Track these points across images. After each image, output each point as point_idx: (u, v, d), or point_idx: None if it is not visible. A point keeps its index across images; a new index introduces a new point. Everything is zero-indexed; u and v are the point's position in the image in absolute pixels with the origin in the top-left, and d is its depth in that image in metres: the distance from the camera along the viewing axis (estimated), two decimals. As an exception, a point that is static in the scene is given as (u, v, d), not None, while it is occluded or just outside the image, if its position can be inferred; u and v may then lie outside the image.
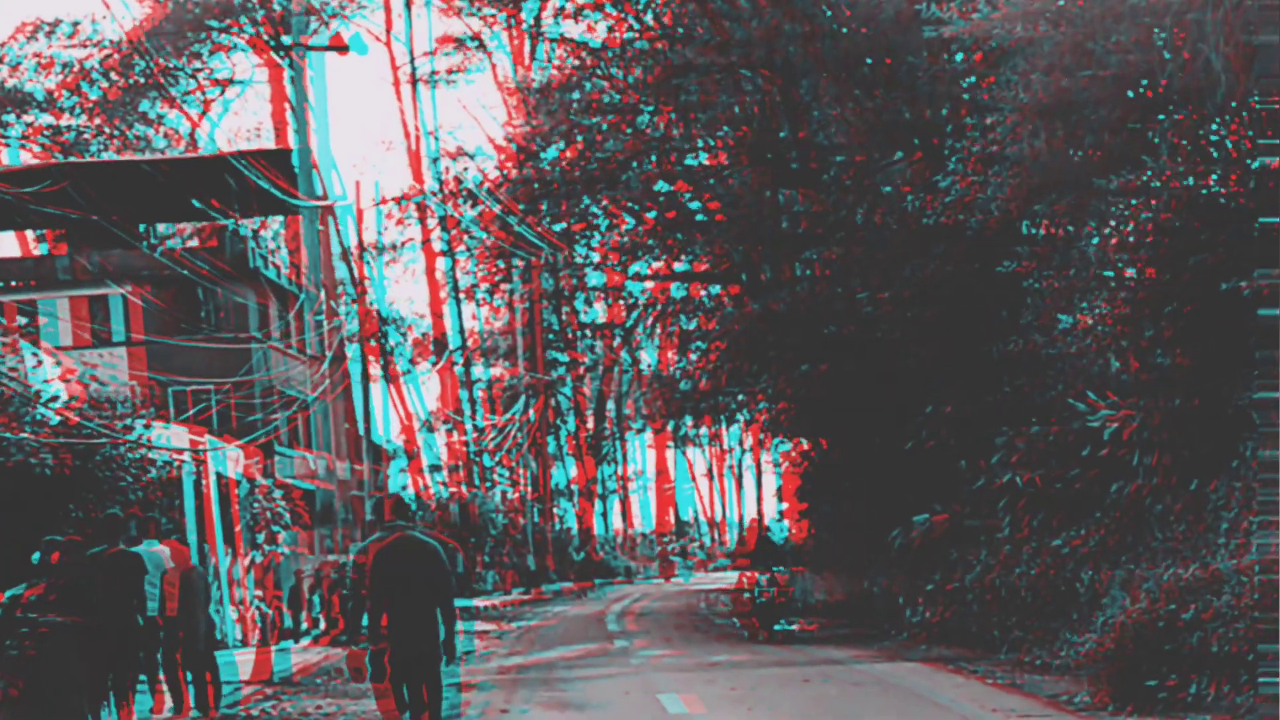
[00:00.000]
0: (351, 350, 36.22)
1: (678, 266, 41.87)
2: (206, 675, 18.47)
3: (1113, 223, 22.54)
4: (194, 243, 51.05)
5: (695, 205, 39.75)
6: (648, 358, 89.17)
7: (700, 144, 33.56)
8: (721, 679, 21.43)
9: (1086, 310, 25.86)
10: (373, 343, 76.04)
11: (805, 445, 50.80)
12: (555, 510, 77.61)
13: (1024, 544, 25.47)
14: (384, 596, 13.53)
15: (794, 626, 31.62)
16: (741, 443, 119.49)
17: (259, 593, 32.88)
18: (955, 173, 23.20)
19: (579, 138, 32.92)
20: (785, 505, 64.92)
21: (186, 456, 27.03)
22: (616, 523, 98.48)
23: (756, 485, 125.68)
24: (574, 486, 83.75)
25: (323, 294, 33.92)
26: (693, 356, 47.80)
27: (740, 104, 31.44)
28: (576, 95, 34.83)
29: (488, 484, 69.28)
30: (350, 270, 38.05)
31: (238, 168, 44.00)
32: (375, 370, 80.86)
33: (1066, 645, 21.01)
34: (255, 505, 32.97)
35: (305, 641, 32.35)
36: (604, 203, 37.76)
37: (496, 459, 71.39)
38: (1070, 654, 20.41)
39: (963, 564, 27.29)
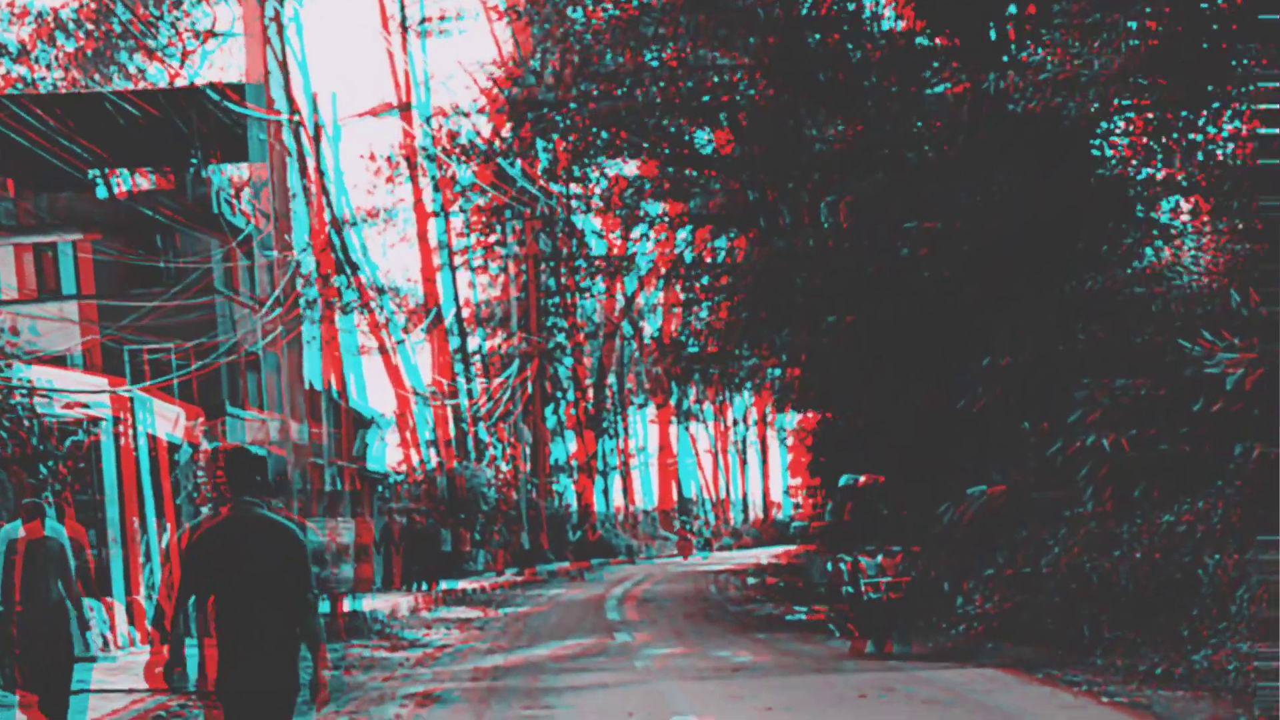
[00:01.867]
0: (308, 294, 31.60)
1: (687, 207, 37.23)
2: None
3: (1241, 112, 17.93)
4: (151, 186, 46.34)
5: (706, 136, 35.04)
6: (650, 327, 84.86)
7: (715, 54, 28.67)
8: (748, 692, 16.80)
9: (1194, 235, 21.36)
10: (364, 312, 71.72)
11: (819, 415, 46.58)
12: (553, 486, 73.15)
13: (1111, 520, 20.87)
14: (204, 594, 8.78)
15: (910, 646, 20.60)
16: (745, 418, 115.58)
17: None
18: (1052, 43, 18.42)
19: (574, 45, 28.11)
20: (797, 480, 60.25)
21: (99, 411, 22.42)
22: (617, 500, 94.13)
23: (761, 462, 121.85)
24: (573, 462, 79.38)
25: (272, 224, 29.19)
26: (701, 314, 43.26)
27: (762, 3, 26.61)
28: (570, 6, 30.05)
29: (482, 458, 64.69)
30: (325, 197, 33.34)
31: (196, 103, 39.52)
32: (369, 342, 76.59)
33: (1192, 648, 16.44)
34: (199, 474, 28.37)
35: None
36: (602, 134, 33.06)
37: (491, 430, 66.79)
38: (1202, 661, 15.86)
39: (1033, 545, 22.64)
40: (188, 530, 8.96)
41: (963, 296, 26.41)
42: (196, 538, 8.84)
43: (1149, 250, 25.92)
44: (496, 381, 59.41)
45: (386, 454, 72.09)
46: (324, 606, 27.99)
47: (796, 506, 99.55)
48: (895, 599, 20.17)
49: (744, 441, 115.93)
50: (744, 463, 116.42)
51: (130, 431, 25.21)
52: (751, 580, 46.22)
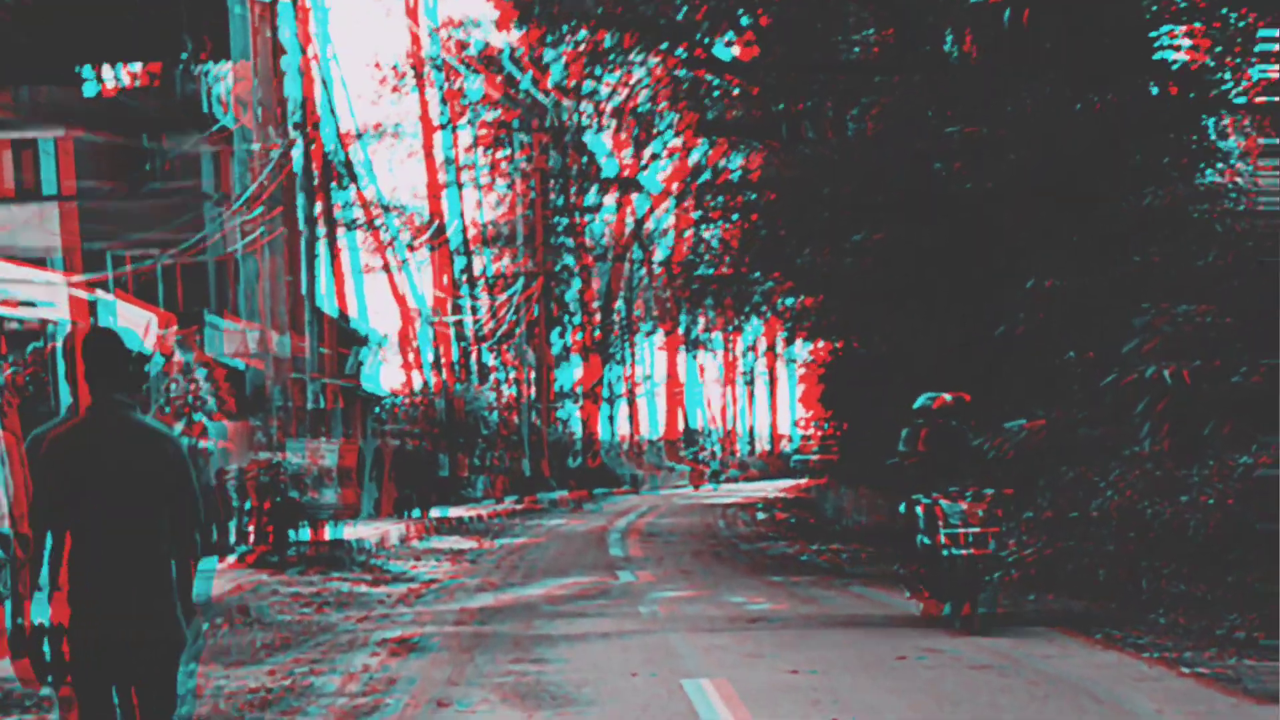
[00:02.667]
0: (309, 209, 29.33)
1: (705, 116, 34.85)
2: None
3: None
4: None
5: (725, 41, 32.64)
6: (660, 252, 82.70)
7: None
8: (767, 648, 14.68)
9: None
10: (367, 228, 69.42)
11: (832, 345, 44.48)
12: (557, 413, 71.10)
13: (1169, 460, 18.72)
14: (61, 525, 6.64)
15: (996, 611, 15.93)
16: (755, 348, 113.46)
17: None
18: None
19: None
20: (809, 413, 58.19)
21: (48, 312, 20.23)
22: (623, 428, 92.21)
23: (770, 394, 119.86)
24: (579, 388, 77.35)
25: (257, 114, 26.80)
26: (714, 234, 40.98)
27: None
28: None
29: (485, 381, 62.54)
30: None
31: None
32: (373, 261, 74.34)
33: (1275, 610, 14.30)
34: (172, 387, 26.23)
35: (231, 560, 25.71)
36: (614, 33, 30.68)
37: (495, 352, 64.63)
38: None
39: (1081, 487, 20.48)
40: (36, 439, 6.72)
41: (1005, 213, 24.16)
42: (45, 448, 6.65)
43: (1211, 171, 23.64)
44: (500, 299, 57.10)
45: (383, 374, 70.04)
46: (303, 534, 25.92)
47: (806, 439, 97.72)
48: (982, 554, 15.67)
49: (752, 372, 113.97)
50: (752, 394, 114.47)
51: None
52: (761, 515, 44.18)
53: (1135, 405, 19.79)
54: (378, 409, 45.88)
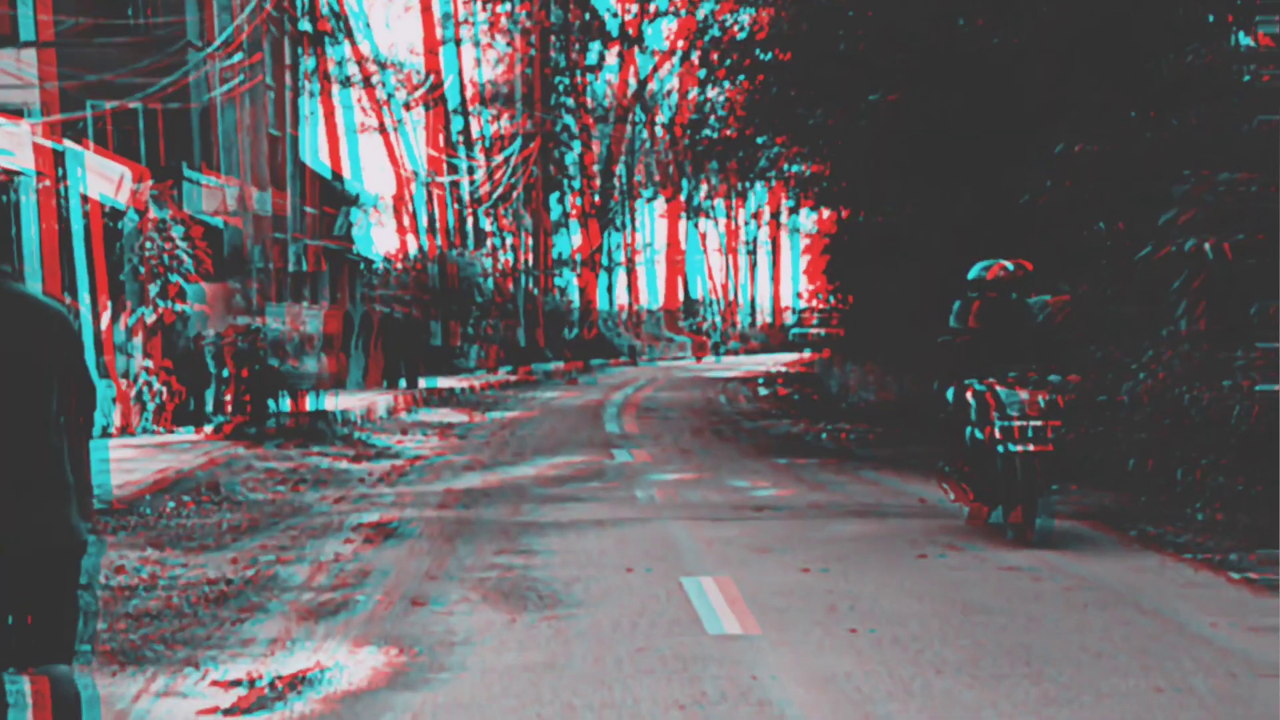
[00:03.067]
0: (305, 65, 27.64)
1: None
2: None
3: None
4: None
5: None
6: (662, 116, 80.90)
7: None
8: (775, 542, 13.46)
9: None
10: (362, 86, 67.46)
11: (837, 214, 43.08)
12: (555, 281, 69.72)
13: (1206, 342, 17.44)
14: None
15: (1054, 522, 13.27)
16: (758, 217, 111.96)
17: (147, 363, 24.90)
18: None
19: None
20: (814, 286, 56.89)
21: (9, 162, 18.79)
22: (621, 297, 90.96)
23: (772, 264, 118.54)
24: (577, 255, 75.93)
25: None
26: (720, 94, 39.35)
27: None
28: None
29: (481, 246, 61.06)
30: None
31: None
32: (369, 120, 72.46)
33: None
34: (147, 245, 24.86)
35: (208, 430, 24.53)
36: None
37: (491, 215, 63.09)
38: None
39: (1110, 368, 19.21)
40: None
41: (1034, 71, 22.65)
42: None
43: (1259, 28, 22.02)
44: (498, 159, 55.42)
45: (378, 238, 68.41)
46: (283, 405, 24.68)
47: (808, 311, 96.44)
48: (1042, 451, 13.08)
49: (755, 241, 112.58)
50: (754, 264, 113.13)
51: (60, 191, 21.66)
52: (763, 390, 43.00)
53: (1171, 281, 18.47)
54: (365, 272, 44.40)
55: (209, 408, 25.38)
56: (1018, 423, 13.15)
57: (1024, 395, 13.24)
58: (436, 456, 22.49)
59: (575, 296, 73.44)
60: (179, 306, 24.93)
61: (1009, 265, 14.11)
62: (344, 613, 10.41)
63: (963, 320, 14.09)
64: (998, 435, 13.23)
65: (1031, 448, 13.06)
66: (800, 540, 13.44)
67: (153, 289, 25.00)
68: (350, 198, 40.18)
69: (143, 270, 24.76)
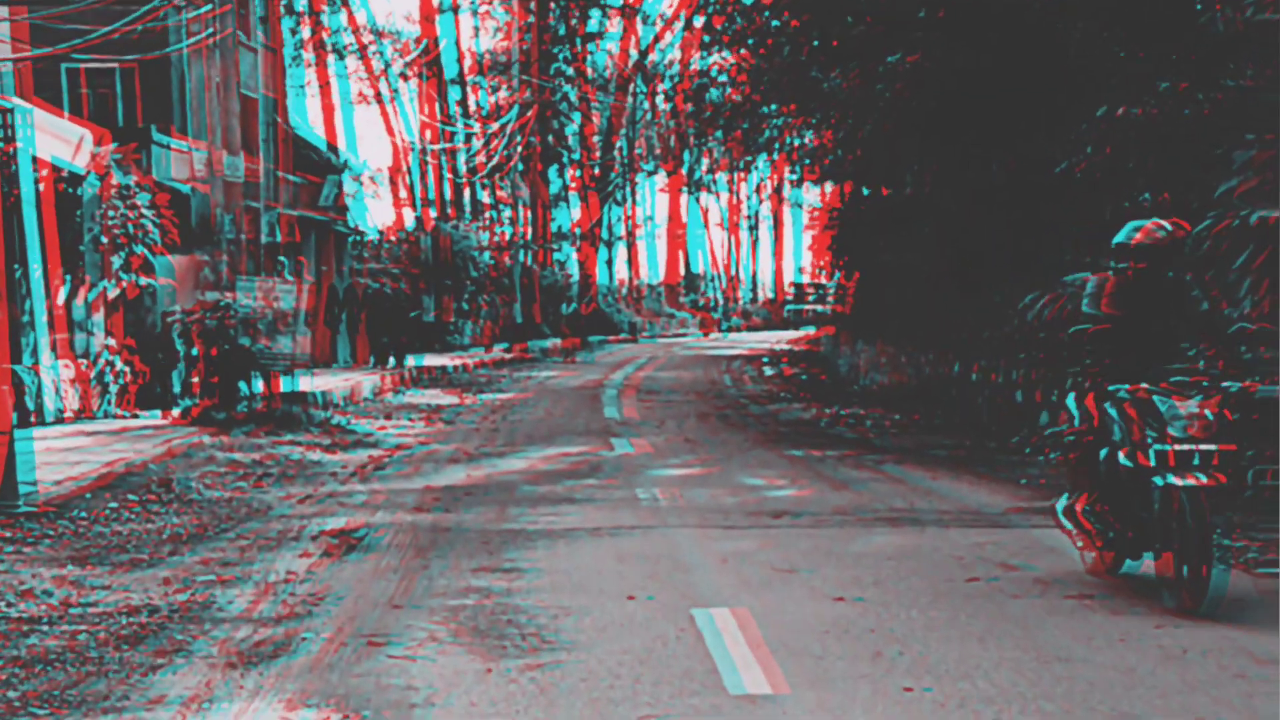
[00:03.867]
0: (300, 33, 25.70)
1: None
2: None
3: None
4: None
5: None
6: (665, 86, 79.12)
7: None
8: (800, 560, 11.60)
9: None
10: (358, 54, 65.49)
11: (841, 188, 41.30)
12: (554, 255, 67.82)
13: (1269, 322, 15.61)
14: None
15: (1226, 583, 9.41)
16: (760, 191, 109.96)
17: (109, 341, 23.04)
18: None
19: None
20: (820, 261, 55.04)
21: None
22: (621, 272, 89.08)
23: (774, 240, 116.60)
24: (576, 229, 74.01)
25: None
26: (725, 58, 37.43)
27: None
28: None
29: (479, 218, 59.11)
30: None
31: None
32: (364, 89, 70.45)
33: None
34: (110, 214, 22.99)
35: (175, 414, 22.67)
36: None
37: (487, 185, 61.11)
38: None
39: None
40: None
41: (1074, 26, 20.76)
42: None
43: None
44: (494, 126, 53.38)
45: (375, 211, 66.37)
46: (255, 387, 22.83)
47: (809, 286, 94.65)
48: (1214, 487, 9.45)
49: (757, 216, 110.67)
50: (755, 240, 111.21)
51: (9, 154, 19.78)
52: (769, 370, 41.12)
53: (1233, 258, 16.61)
54: (353, 244, 42.45)
55: (177, 390, 23.51)
56: (1182, 446, 9.58)
57: (1189, 407, 9.66)
58: (420, 445, 20.64)
59: (575, 271, 71.59)
60: (144, 280, 23.05)
61: (1165, 225, 10.17)
62: (283, 656, 8.57)
63: (1098, 303, 10.32)
64: (1153, 462, 9.70)
65: (1201, 480, 9.49)
66: (827, 557, 11.60)
67: (115, 261, 23.11)
68: (338, 166, 38.24)
69: (104, 240, 22.88)
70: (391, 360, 35.39)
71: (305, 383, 27.49)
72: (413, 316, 42.84)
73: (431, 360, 39.87)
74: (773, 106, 38.82)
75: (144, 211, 23.05)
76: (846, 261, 42.11)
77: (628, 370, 41.07)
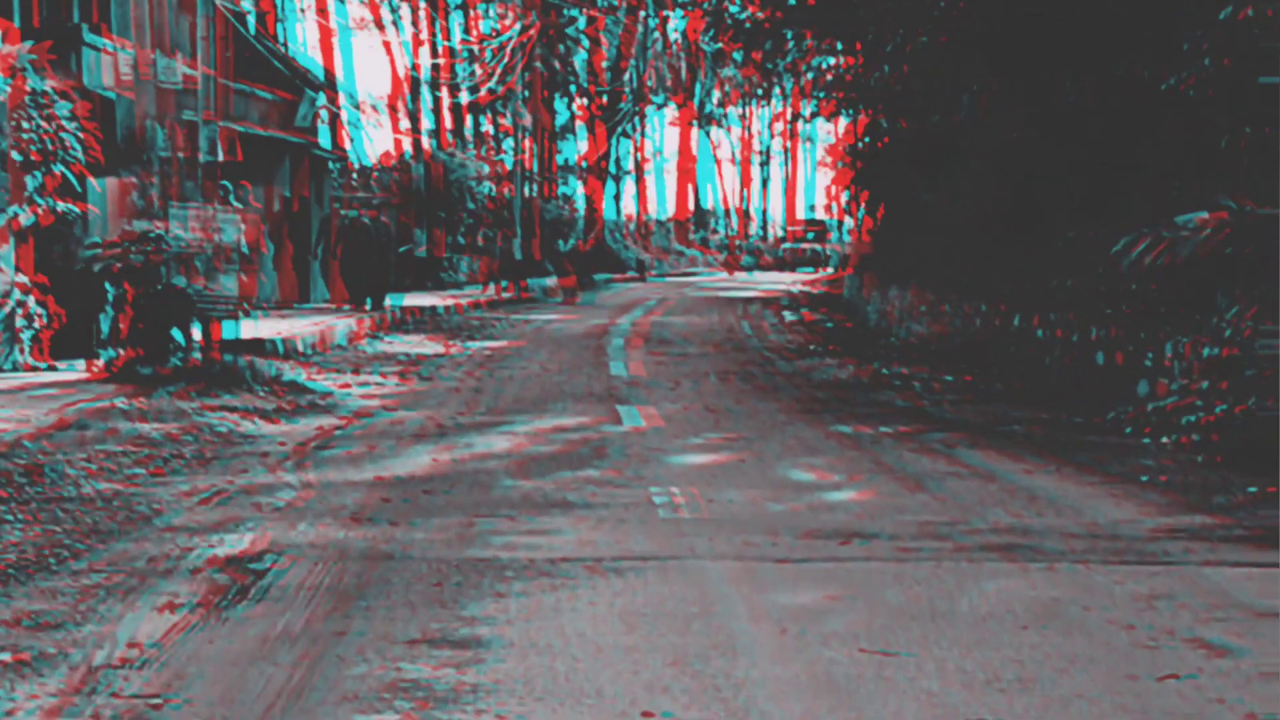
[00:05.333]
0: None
1: None
2: None
3: None
4: None
5: None
6: (675, 14, 75.52)
7: None
8: (891, 620, 7.90)
9: None
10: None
11: (868, 119, 37.80)
12: (559, 188, 64.07)
13: None
14: None
15: None
16: (772, 125, 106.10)
17: (20, 278, 19.34)
18: None
19: None
20: (846, 196, 51.29)
21: None
22: (628, 207, 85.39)
23: (785, 176, 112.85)
24: (583, 163, 70.33)
25: None
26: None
27: None
28: None
29: (480, 148, 55.30)
30: None
31: None
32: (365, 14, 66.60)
33: None
34: (24, 125, 19.24)
35: (99, 364, 19.04)
36: None
37: (488, 111, 57.24)
38: None
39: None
40: None
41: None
42: None
43: None
44: (494, 43, 49.40)
45: (370, 137, 62.60)
46: (195, 335, 19.17)
47: (809, 223, 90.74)
48: None
49: (769, 151, 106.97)
50: (766, 177, 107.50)
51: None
52: (789, 315, 37.39)
53: None
54: (334, 171, 38.62)
55: (105, 335, 19.84)
56: None
57: None
58: (383, 411, 16.96)
59: (580, 205, 67.92)
60: (62, 206, 19.33)
61: None
62: None
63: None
64: None
65: None
66: (933, 624, 7.88)
67: (30, 182, 19.37)
68: (315, 83, 34.35)
69: (17, 158, 19.14)
70: (369, 301, 31.70)
71: (267, 328, 23.84)
72: (402, 252, 39.18)
73: (420, 300, 36.20)
74: (796, 30, 35.39)
75: (64, 124, 19.29)
76: (869, 198, 38.66)
77: (635, 314, 37.35)
